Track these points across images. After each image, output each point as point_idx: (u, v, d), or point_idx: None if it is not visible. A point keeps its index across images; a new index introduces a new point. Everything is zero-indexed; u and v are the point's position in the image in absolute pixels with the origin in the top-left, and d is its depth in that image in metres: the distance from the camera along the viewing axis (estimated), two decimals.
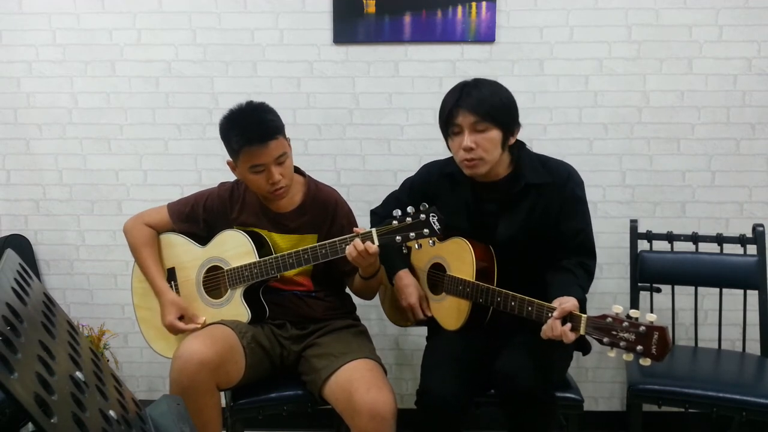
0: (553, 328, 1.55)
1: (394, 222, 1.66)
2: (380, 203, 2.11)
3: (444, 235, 1.70)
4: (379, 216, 2.04)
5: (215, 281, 1.94)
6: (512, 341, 1.76)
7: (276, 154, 1.79)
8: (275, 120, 1.83)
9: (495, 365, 1.71)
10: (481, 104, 1.70)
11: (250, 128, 1.78)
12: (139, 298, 2.03)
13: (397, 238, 1.65)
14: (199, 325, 1.91)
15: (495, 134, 1.71)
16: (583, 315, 1.53)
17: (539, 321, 1.61)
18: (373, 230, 1.69)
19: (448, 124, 1.76)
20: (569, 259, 1.76)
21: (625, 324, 1.45)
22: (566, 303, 1.56)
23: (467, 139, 1.70)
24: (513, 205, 1.79)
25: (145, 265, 1.97)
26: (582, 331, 1.53)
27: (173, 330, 1.92)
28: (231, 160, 1.87)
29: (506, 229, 1.79)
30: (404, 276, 1.93)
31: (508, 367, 1.67)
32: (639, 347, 1.43)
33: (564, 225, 1.78)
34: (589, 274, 1.78)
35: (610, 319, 1.48)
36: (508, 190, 1.79)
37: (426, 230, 1.63)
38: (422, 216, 1.63)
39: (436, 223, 1.62)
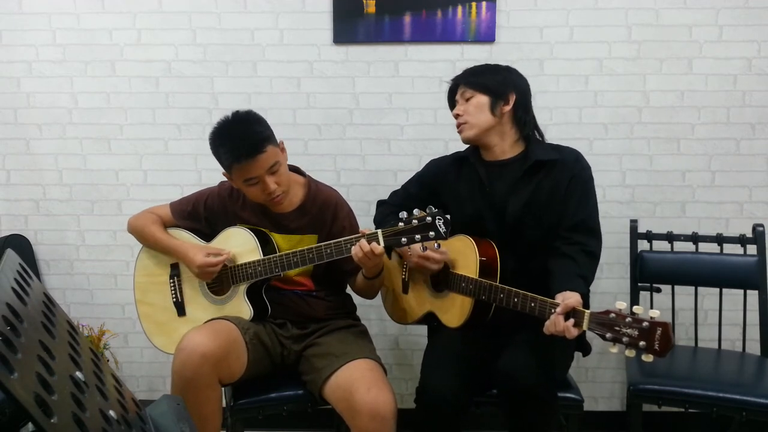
0: (555, 324, 1.55)
1: (400, 224, 1.66)
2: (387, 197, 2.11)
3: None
4: (386, 205, 2.05)
5: (218, 278, 1.93)
6: (514, 339, 1.76)
7: (267, 166, 1.77)
8: (263, 131, 1.79)
9: (496, 363, 1.71)
10: (464, 76, 1.87)
11: (238, 144, 1.75)
12: (141, 293, 2.03)
13: (403, 239, 1.65)
14: (228, 255, 1.87)
15: (481, 99, 1.82)
16: (587, 311, 1.53)
17: (542, 317, 1.60)
18: (379, 231, 1.69)
19: (451, 102, 1.91)
20: (571, 245, 1.75)
21: (628, 320, 1.45)
22: (570, 299, 1.56)
23: (456, 109, 1.87)
24: (523, 184, 1.81)
25: (155, 237, 1.95)
26: (585, 327, 1.52)
27: (207, 267, 1.84)
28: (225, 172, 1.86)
29: (515, 206, 1.80)
30: None
31: (509, 366, 1.67)
32: (642, 343, 1.42)
33: (569, 203, 1.79)
34: (593, 257, 1.77)
35: (613, 315, 1.48)
36: (518, 169, 1.82)
37: (432, 233, 1.63)
38: (428, 219, 1.62)
39: (442, 226, 1.62)
